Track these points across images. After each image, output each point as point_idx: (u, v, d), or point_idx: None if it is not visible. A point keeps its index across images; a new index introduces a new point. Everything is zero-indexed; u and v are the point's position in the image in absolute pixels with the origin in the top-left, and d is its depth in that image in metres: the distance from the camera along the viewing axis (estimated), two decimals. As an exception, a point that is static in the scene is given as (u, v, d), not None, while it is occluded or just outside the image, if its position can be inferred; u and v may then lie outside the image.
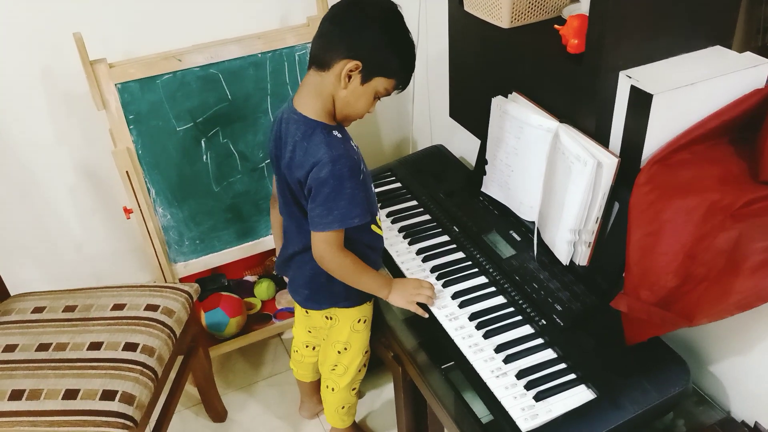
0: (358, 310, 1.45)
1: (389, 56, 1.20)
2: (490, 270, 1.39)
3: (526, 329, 1.25)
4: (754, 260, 0.95)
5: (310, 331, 1.63)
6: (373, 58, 1.18)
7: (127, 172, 1.61)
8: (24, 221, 1.93)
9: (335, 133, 1.23)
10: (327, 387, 1.60)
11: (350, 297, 1.40)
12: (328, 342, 1.52)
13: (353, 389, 1.60)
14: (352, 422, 1.71)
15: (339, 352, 1.51)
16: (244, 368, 2.07)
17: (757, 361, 1.12)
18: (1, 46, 1.68)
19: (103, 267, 2.10)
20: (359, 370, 1.56)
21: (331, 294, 1.40)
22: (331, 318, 1.47)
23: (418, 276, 1.42)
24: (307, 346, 1.66)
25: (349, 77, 1.19)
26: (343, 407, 1.63)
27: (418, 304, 1.33)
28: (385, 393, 1.93)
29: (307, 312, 1.54)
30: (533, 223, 1.39)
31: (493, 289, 1.36)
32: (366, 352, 1.54)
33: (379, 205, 1.65)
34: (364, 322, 1.47)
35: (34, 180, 1.89)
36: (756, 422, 1.15)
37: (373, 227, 1.37)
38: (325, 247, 1.27)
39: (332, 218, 1.22)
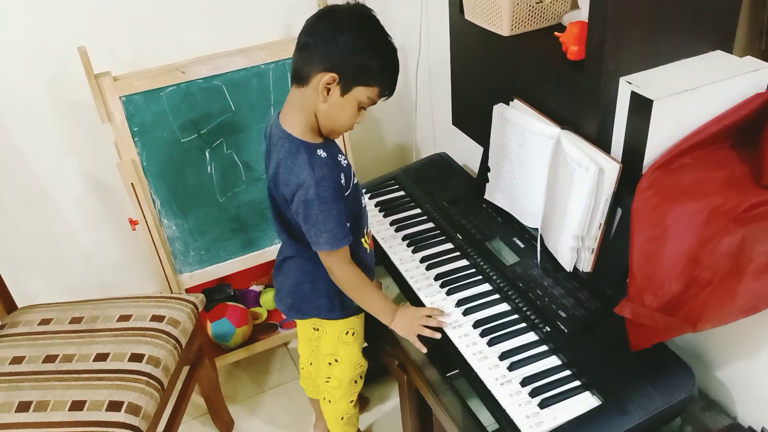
0: (344, 322, 1.44)
1: (366, 62, 1.14)
2: (494, 277, 1.39)
3: (531, 336, 1.25)
4: (758, 264, 0.94)
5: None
6: (349, 67, 1.14)
7: (132, 183, 1.62)
8: (31, 232, 1.95)
9: (319, 152, 1.20)
10: (324, 399, 1.60)
11: (334, 310, 1.40)
12: (319, 353, 1.51)
13: (350, 401, 1.59)
14: (356, 431, 1.70)
15: (330, 364, 1.50)
16: (250, 378, 2.07)
17: (764, 366, 1.12)
18: (9, 58, 1.70)
19: (110, 277, 2.12)
20: (354, 382, 1.55)
21: (315, 305, 1.39)
22: (318, 329, 1.46)
23: (423, 284, 1.42)
24: (311, 364, 1.65)
25: (328, 90, 1.15)
26: (342, 418, 1.62)
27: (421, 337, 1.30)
28: (390, 402, 1.93)
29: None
30: (536, 229, 1.39)
31: (497, 296, 1.35)
32: (359, 365, 1.53)
33: (382, 213, 1.66)
34: (353, 334, 1.46)
35: (41, 191, 1.90)
36: (763, 428, 1.14)
37: (362, 240, 1.37)
38: (332, 262, 1.28)
39: (324, 240, 1.22)
